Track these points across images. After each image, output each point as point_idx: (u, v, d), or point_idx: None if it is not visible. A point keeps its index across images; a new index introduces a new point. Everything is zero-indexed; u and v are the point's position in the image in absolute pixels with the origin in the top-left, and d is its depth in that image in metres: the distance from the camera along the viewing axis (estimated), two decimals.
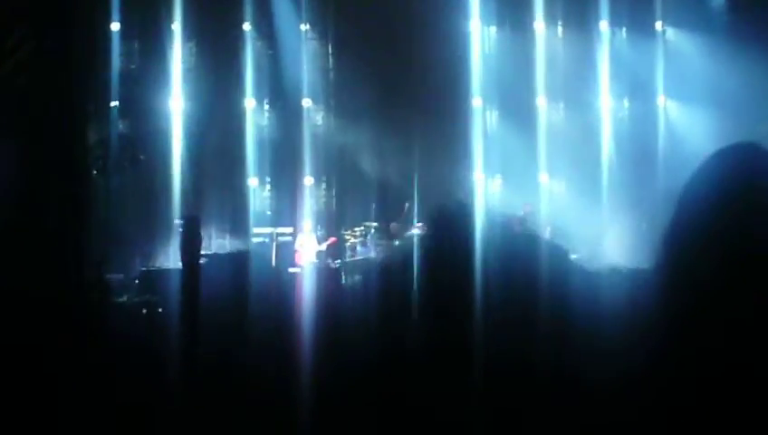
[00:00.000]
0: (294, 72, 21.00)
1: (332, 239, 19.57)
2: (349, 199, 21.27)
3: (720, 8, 19.00)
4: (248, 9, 20.65)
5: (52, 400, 4.27)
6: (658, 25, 20.36)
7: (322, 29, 21.27)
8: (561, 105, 20.76)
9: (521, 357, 2.99)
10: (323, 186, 21.41)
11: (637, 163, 19.39)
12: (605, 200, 19.21)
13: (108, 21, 19.23)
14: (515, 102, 20.54)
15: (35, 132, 14.62)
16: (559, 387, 2.97)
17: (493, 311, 3.06)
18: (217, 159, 20.62)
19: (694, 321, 2.44)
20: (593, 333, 3.07)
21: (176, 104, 20.03)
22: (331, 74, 21.31)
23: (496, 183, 20.90)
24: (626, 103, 20.82)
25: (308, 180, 20.86)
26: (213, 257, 15.75)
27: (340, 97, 21.16)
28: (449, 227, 3.11)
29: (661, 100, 20.30)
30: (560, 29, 21.04)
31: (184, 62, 20.26)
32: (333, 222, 20.62)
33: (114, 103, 19.03)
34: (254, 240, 19.58)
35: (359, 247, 19.73)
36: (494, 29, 21.16)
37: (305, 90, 21.07)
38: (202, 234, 5.07)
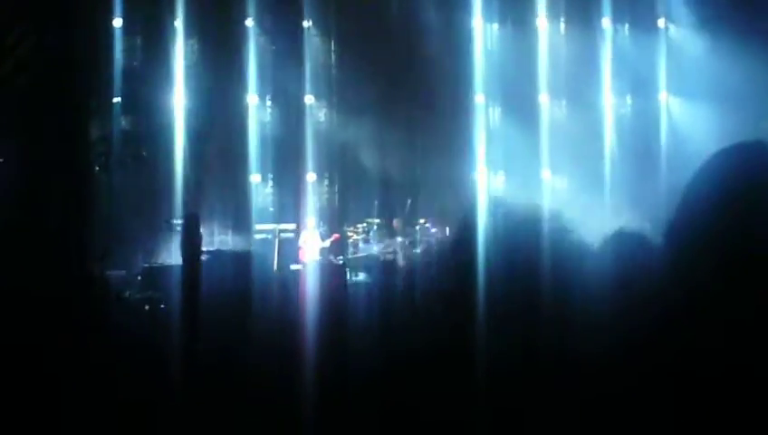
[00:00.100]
0: (297, 69, 20.99)
1: (336, 236, 19.56)
2: (351, 196, 21.27)
3: (722, 5, 18.96)
4: (251, 6, 20.63)
5: (55, 395, 4.27)
6: (661, 22, 20.32)
7: (325, 26, 21.25)
8: (564, 102, 20.74)
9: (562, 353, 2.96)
10: (326, 182, 21.40)
11: (639, 160, 19.36)
12: (608, 197, 19.19)
13: (110, 18, 19.22)
14: (518, 99, 20.52)
15: (38, 129, 14.63)
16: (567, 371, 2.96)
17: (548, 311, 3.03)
18: (220, 155, 20.62)
19: (692, 319, 2.43)
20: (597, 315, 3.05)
21: (178, 101, 20.02)
22: (334, 71, 21.30)
23: (499, 179, 20.86)
24: (629, 100, 20.79)
25: (310, 177, 20.84)
26: (215, 254, 15.77)
27: (342, 94, 21.14)
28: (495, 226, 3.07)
29: (663, 96, 20.27)
30: (562, 26, 21.01)
31: (186, 59, 20.24)
32: (336, 219, 20.60)
33: (116, 100, 19.02)
34: (257, 237, 19.56)
35: (361, 244, 19.73)
36: (496, 26, 21.14)
37: (308, 86, 21.05)
38: (202, 231, 5.06)
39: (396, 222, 19.73)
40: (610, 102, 20.56)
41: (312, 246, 18.61)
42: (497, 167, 20.71)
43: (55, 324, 5.17)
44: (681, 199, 2.57)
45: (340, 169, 21.43)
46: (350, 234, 19.88)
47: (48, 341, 5.05)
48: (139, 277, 16.10)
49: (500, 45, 20.97)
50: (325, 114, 21.46)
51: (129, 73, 19.23)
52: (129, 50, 19.52)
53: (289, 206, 20.89)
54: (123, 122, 19.27)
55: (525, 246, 3.04)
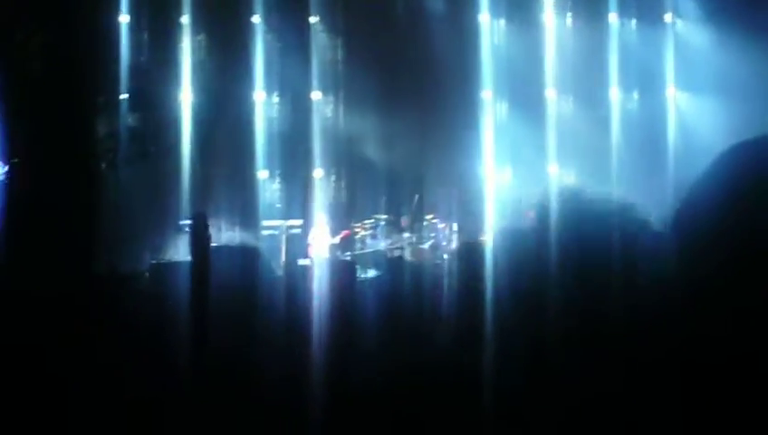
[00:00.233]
0: (304, 65, 20.98)
1: (346, 232, 19.57)
2: (358, 192, 21.26)
3: None
4: (257, 2, 20.64)
5: (65, 393, 4.27)
6: (668, 17, 20.29)
7: (332, 22, 21.24)
8: (571, 97, 20.72)
9: None
10: (333, 178, 21.39)
11: (646, 154, 19.34)
12: (615, 191, 19.14)
13: (117, 14, 19.25)
14: (525, 94, 20.49)
15: (45, 126, 14.65)
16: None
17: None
18: (227, 152, 20.62)
19: (699, 310, 2.44)
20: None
21: (185, 98, 20.03)
22: (341, 67, 21.28)
23: (506, 174, 20.84)
24: (635, 95, 20.76)
25: (318, 173, 20.84)
26: (221, 249, 15.76)
27: (349, 90, 21.13)
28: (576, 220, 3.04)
29: (671, 91, 20.24)
30: (569, 21, 21.00)
31: (193, 56, 20.25)
32: (343, 215, 20.60)
33: (123, 97, 19.04)
34: (264, 233, 19.57)
35: (369, 240, 19.74)
36: (503, 21, 21.11)
37: (315, 82, 21.05)
38: (210, 230, 5.05)
39: (403, 218, 19.74)
40: (617, 97, 20.54)
41: (321, 243, 18.62)
42: (505, 162, 20.68)
43: (64, 322, 5.18)
44: (689, 194, 2.57)
45: (348, 164, 21.42)
46: (357, 230, 19.89)
47: (56, 339, 5.05)
48: (147, 274, 16.11)
49: (507, 41, 20.95)
50: (332, 110, 21.45)
51: (136, 70, 19.24)
52: (135, 47, 19.54)
53: (296, 202, 20.90)
54: (130, 119, 19.29)
55: (602, 240, 3.01)
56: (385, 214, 20.02)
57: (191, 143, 19.64)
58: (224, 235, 18.79)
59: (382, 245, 19.41)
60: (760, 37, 17.29)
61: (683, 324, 2.45)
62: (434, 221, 19.74)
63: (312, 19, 21.21)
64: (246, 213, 19.92)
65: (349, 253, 19.23)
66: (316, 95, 21.15)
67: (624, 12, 20.60)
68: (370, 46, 20.68)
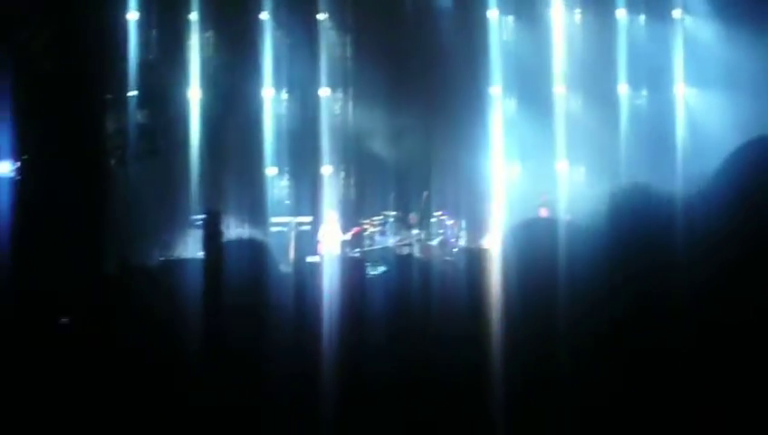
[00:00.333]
0: (312, 62, 20.99)
1: (356, 229, 19.58)
2: (367, 188, 21.25)
3: None
4: None
5: (76, 390, 4.29)
6: (677, 13, 20.25)
7: (341, 18, 21.23)
8: (580, 92, 20.68)
9: None
10: (342, 175, 21.38)
11: (656, 150, 19.30)
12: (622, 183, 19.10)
13: (126, 11, 19.27)
14: (534, 90, 20.48)
15: (55, 123, 14.67)
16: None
17: None
18: (236, 148, 20.64)
19: (712, 301, 2.45)
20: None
21: (194, 94, 20.05)
22: (349, 63, 21.28)
23: (515, 170, 20.83)
24: (644, 91, 20.73)
25: (326, 170, 20.84)
26: (229, 245, 15.77)
27: (358, 86, 21.13)
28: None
29: (680, 87, 20.19)
30: (577, 16, 20.98)
31: (202, 52, 20.27)
32: (352, 211, 20.60)
33: (133, 93, 19.06)
34: (273, 229, 19.58)
35: (377, 236, 19.74)
36: (512, 17, 21.10)
37: (323, 79, 21.05)
38: (223, 228, 5.04)
39: (411, 215, 19.74)
40: (626, 93, 20.51)
41: (331, 239, 18.63)
42: (513, 158, 20.67)
43: (75, 319, 5.20)
44: (700, 191, 2.59)
45: (357, 161, 21.41)
46: (366, 226, 19.89)
47: (68, 335, 5.07)
48: (157, 271, 16.09)
49: (516, 37, 20.95)
50: (341, 107, 21.45)
51: (145, 67, 19.27)
52: (144, 44, 19.56)
53: (305, 198, 20.91)
54: (139, 116, 19.31)
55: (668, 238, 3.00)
56: (394, 211, 20.01)
57: (200, 140, 19.67)
58: (233, 231, 18.81)
59: (391, 241, 19.42)
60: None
61: (693, 317, 2.47)
62: (442, 218, 19.75)
63: (321, 16, 21.20)
64: (255, 210, 19.92)
65: (357, 250, 19.25)
66: (325, 92, 21.15)
67: (633, 8, 20.58)
68: (379, 43, 20.68)
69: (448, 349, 3.74)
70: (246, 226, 18.95)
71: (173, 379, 4.23)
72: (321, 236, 18.87)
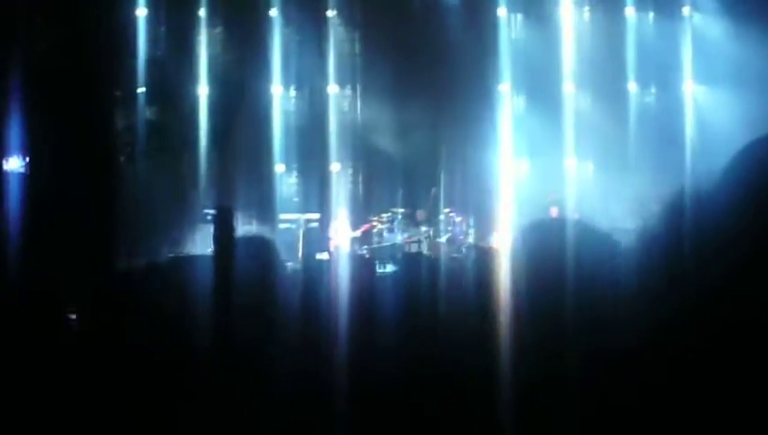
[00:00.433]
0: (321, 59, 21.01)
1: (367, 225, 19.60)
2: (375, 185, 21.26)
3: None
4: None
5: (85, 387, 4.29)
6: (686, 10, 20.23)
7: (350, 15, 21.24)
8: (588, 90, 20.66)
9: None
10: (350, 172, 21.40)
11: (664, 148, 19.27)
12: (634, 183, 19.10)
13: (134, 7, 19.30)
14: (542, 87, 20.47)
15: (64, 120, 14.70)
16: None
17: None
18: (244, 145, 20.66)
19: (713, 316, 2.45)
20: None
21: (202, 91, 20.08)
22: (358, 61, 21.28)
23: (523, 168, 20.82)
24: (653, 88, 20.71)
25: (335, 167, 20.86)
26: (238, 241, 15.78)
27: (366, 83, 21.14)
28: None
29: (689, 84, 20.17)
30: (586, 13, 20.96)
31: (210, 49, 20.29)
32: (360, 208, 20.61)
33: (141, 90, 19.10)
34: (282, 226, 19.61)
35: (386, 233, 19.76)
36: (520, 14, 21.08)
37: (332, 76, 21.07)
38: (235, 225, 5.04)
39: (419, 212, 19.76)
40: (635, 91, 20.50)
41: (342, 236, 18.65)
42: (523, 155, 20.66)
43: (85, 315, 5.20)
44: (708, 191, 2.59)
45: (365, 158, 21.42)
46: (374, 223, 19.91)
47: (78, 332, 5.08)
48: (166, 267, 16.10)
49: (524, 34, 20.94)
50: (349, 104, 21.46)
51: (153, 64, 19.30)
52: (153, 40, 19.59)
53: (313, 195, 20.93)
54: (148, 113, 19.35)
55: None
56: (402, 208, 20.03)
57: (209, 137, 19.70)
58: (242, 228, 18.80)
59: (399, 238, 19.44)
60: None
61: (703, 321, 2.47)
62: (451, 215, 19.76)
63: (330, 13, 21.21)
64: (264, 206, 19.95)
65: (366, 247, 19.27)
66: (333, 89, 21.17)
67: (641, 5, 20.56)
68: (388, 40, 20.69)
69: (458, 347, 3.73)
70: (255, 222, 18.97)
71: (181, 376, 4.24)
72: (333, 233, 18.89)
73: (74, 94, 14.90)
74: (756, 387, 2.36)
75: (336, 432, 3.75)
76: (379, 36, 20.94)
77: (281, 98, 20.98)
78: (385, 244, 19.41)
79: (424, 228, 19.50)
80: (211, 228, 4.98)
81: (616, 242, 3.27)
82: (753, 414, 2.38)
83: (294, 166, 21.28)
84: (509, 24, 20.83)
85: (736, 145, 2.62)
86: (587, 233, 3.35)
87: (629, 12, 20.55)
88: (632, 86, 20.48)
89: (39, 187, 14.29)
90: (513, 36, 20.79)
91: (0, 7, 14.19)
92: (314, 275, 5.54)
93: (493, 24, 20.55)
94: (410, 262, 7.38)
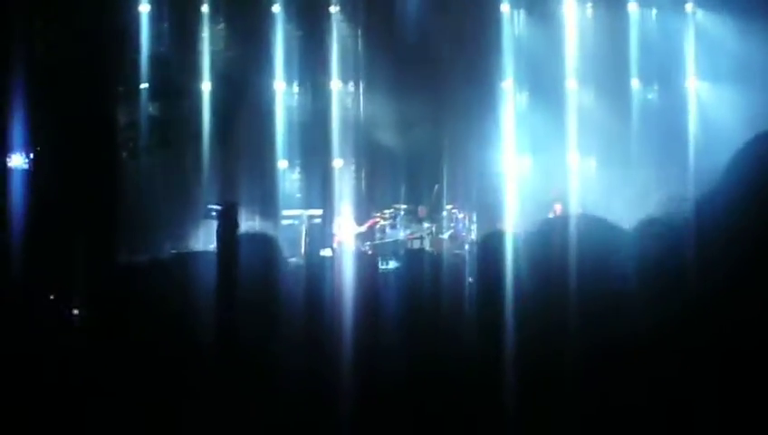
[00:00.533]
0: (323, 55, 21.00)
1: (372, 221, 19.60)
2: (378, 181, 21.25)
3: None
4: None
5: (88, 384, 4.31)
6: (689, 6, 20.20)
7: (352, 11, 21.22)
8: (591, 86, 20.63)
9: None
10: (353, 168, 21.38)
11: (667, 145, 19.26)
12: (637, 179, 19.10)
13: (138, 3, 19.30)
14: (545, 84, 20.45)
15: (67, 115, 14.72)
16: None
17: None
18: (247, 141, 20.66)
19: (726, 302, 2.46)
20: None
21: (205, 87, 20.08)
22: (361, 56, 21.26)
23: (526, 163, 20.82)
24: (656, 85, 20.68)
25: (337, 163, 20.85)
26: (241, 237, 15.78)
27: (369, 79, 21.12)
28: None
29: (692, 81, 20.15)
30: (589, 9, 20.94)
31: (213, 45, 20.29)
32: (363, 204, 20.60)
33: (144, 86, 19.10)
34: (284, 222, 19.61)
35: (388, 229, 19.76)
36: (523, 10, 21.06)
37: (334, 72, 21.06)
38: (239, 220, 5.05)
39: (421, 208, 19.75)
40: (638, 87, 20.49)
41: (347, 232, 18.65)
42: (526, 151, 20.65)
43: (88, 312, 5.22)
44: (712, 186, 2.59)
45: (368, 154, 21.41)
46: (377, 219, 19.90)
47: (80, 329, 5.10)
48: (169, 263, 16.09)
49: (527, 30, 20.92)
50: (352, 100, 21.45)
51: (156, 60, 19.30)
52: (156, 36, 19.59)
53: (316, 192, 20.93)
54: (151, 108, 19.35)
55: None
56: (405, 204, 20.02)
57: (211, 133, 19.69)
58: (244, 224, 18.79)
59: (401, 235, 19.43)
60: None
61: (705, 315, 2.47)
62: (453, 211, 19.75)
63: (333, 9, 21.20)
64: (267, 202, 19.95)
65: (368, 243, 19.26)
66: (336, 85, 21.16)
67: (644, 1, 20.54)
68: (391, 36, 20.67)
69: (460, 344, 3.74)
70: (258, 218, 18.99)
71: (184, 372, 4.25)
72: (337, 229, 18.88)
73: (78, 90, 14.91)
74: (758, 381, 2.37)
75: (339, 427, 3.76)
76: (382, 32, 20.92)
77: (283, 94, 20.98)
78: (387, 240, 19.40)
79: (426, 225, 19.49)
80: (215, 224, 4.98)
81: (624, 236, 3.28)
82: (754, 408, 2.39)
83: (297, 162, 21.28)
84: (512, 21, 20.82)
85: (739, 142, 2.63)
86: (600, 228, 3.36)
87: (632, 8, 20.53)
88: (635, 83, 20.46)
89: (42, 182, 14.31)
90: (517, 33, 20.78)
91: (3, 4, 14.20)
92: (317, 271, 5.54)
93: (496, 20, 20.54)
94: (412, 258, 7.38)
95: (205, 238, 16.97)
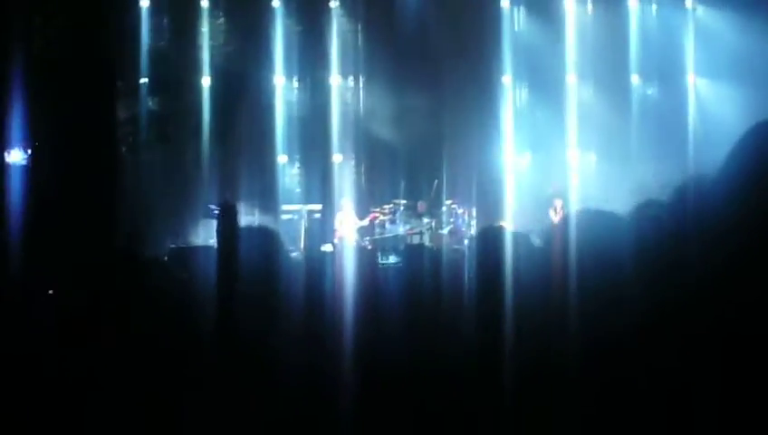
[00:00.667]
0: (323, 49, 20.99)
1: (373, 215, 19.59)
2: (378, 177, 21.24)
3: None
4: None
5: (87, 379, 4.31)
6: (688, 2, 20.20)
7: (352, 5, 21.20)
8: (591, 82, 20.62)
9: None
10: (352, 163, 21.37)
11: (666, 140, 19.26)
12: (636, 174, 19.08)
13: None
14: (544, 79, 20.44)
15: (66, 110, 14.71)
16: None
17: None
18: (246, 135, 20.64)
19: (727, 289, 2.46)
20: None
21: (205, 81, 20.07)
22: (361, 51, 21.24)
23: (525, 159, 20.82)
24: (655, 81, 20.67)
25: (337, 158, 20.85)
26: (241, 231, 15.76)
27: (369, 74, 21.11)
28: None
29: (691, 77, 20.14)
30: (589, 5, 20.93)
31: (213, 40, 20.28)
32: (363, 199, 20.58)
33: (144, 81, 19.10)
34: (284, 217, 19.61)
35: (388, 224, 19.75)
36: (523, 5, 21.05)
37: (334, 67, 21.04)
38: (238, 222, 5.05)
39: (420, 203, 19.75)
40: (638, 83, 20.48)
41: (347, 227, 18.63)
42: (525, 147, 20.65)
43: (87, 307, 5.22)
44: (717, 173, 2.60)
45: (367, 149, 21.39)
46: (377, 214, 19.89)
47: (80, 324, 5.09)
48: (166, 258, 16.13)
49: (527, 25, 20.91)
50: (352, 95, 21.44)
51: (156, 54, 19.30)
52: (156, 31, 19.58)
53: (315, 186, 20.92)
54: (150, 103, 19.35)
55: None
56: (404, 199, 20.02)
57: (211, 127, 19.69)
58: (244, 218, 18.77)
59: (401, 230, 19.43)
60: None
61: (704, 304, 2.48)
62: (453, 206, 19.75)
63: (332, 3, 21.19)
64: (266, 197, 19.94)
65: (368, 238, 19.25)
66: (336, 79, 21.15)
67: None
68: (391, 31, 20.65)
69: (460, 339, 3.74)
70: (257, 213, 18.98)
71: (184, 367, 4.25)
72: (338, 224, 18.86)
73: (77, 85, 14.91)
74: (755, 368, 2.38)
75: (338, 420, 3.76)
76: (382, 27, 20.90)
77: (283, 88, 20.97)
78: (387, 235, 19.40)
79: (426, 220, 19.49)
80: (214, 223, 4.99)
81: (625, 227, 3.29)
82: (751, 396, 2.39)
83: (296, 157, 21.28)
84: (512, 16, 20.81)
85: (738, 137, 2.63)
86: (606, 222, 3.37)
87: (632, 3, 20.52)
88: (635, 78, 20.44)
89: (40, 177, 14.30)
90: (516, 28, 20.77)
91: None
92: (317, 266, 5.54)
93: (496, 15, 20.53)
94: (412, 253, 7.39)
95: (204, 233, 16.99)
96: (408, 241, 18.80)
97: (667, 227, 2.97)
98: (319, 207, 20.19)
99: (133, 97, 18.82)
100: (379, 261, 16.73)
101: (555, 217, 17.75)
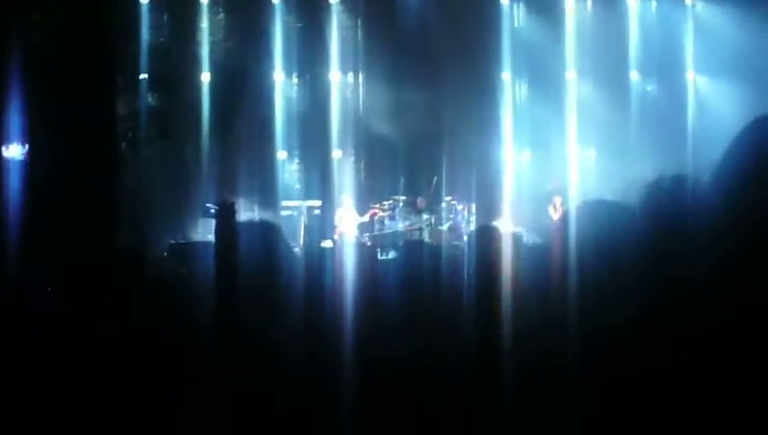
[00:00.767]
0: (323, 46, 20.98)
1: (373, 211, 19.58)
2: (377, 173, 21.24)
3: None
4: None
5: (87, 376, 4.31)
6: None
7: (352, 2, 21.18)
8: (590, 79, 20.61)
9: None
10: (352, 159, 21.36)
11: (666, 137, 19.25)
12: (634, 170, 19.05)
13: None
14: (544, 75, 20.43)
15: (65, 106, 14.69)
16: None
17: None
18: (246, 132, 20.64)
19: (727, 288, 2.47)
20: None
21: (204, 78, 20.06)
22: (360, 48, 21.22)
23: (525, 155, 20.81)
24: (655, 78, 20.66)
25: (337, 154, 20.84)
26: (240, 226, 15.75)
27: (369, 70, 21.09)
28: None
29: (691, 74, 20.14)
30: (589, 1, 20.92)
31: (213, 36, 20.27)
32: (362, 195, 20.57)
33: (143, 76, 19.09)
34: (283, 213, 19.60)
35: (387, 221, 19.75)
36: (522, 2, 21.04)
37: (334, 63, 21.03)
38: (237, 221, 5.04)
39: (420, 199, 19.75)
40: (637, 79, 20.47)
41: (347, 224, 18.63)
42: (523, 143, 20.64)
43: (88, 303, 5.22)
44: (716, 167, 2.60)
45: (367, 145, 21.38)
46: (377, 210, 19.89)
47: (80, 321, 5.10)
48: (166, 254, 16.14)
49: (527, 22, 20.90)
50: (352, 91, 21.42)
51: (155, 50, 19.29)
52: (155, 27, 19.57)
53: (315, 183, 20.92)
54: (150, 99, 19.34)
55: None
56: (404, 195, 20.02)
57: (210, 124, 19.68)
58: (244, 214, 18.75)
59: (401, 226, 19.43)
60: None
61: (716, 296, 2.48)
62: (453, 202, 19.75)
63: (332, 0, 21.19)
64: (265, 193, 19.93)
65: (367, 234, 19.25)
66: (335, 76, 21.14)
67: None
68: (391, 28, 20.64)
69: (459, 335, 3.75)
70: (257, 209, 18.98)
71: (185, 362, 4.25)
72: (338, 220, 18.85)
73: (76, 80, 14.89)
74: (751, 366, 2.38)
75: (338, 414, 3.77)
76: (382, 23, 20.89)
77: (283, 85, 20.96)
78: (386, 231, 19.40)
79: (425, 216, 19.49)
80: (213, 223, 4.99)
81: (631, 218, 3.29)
82: (748, 392, 2.40)
83: (296, 153, 21.27)
84: (511, 12, 20.80)
85: (737, 132, 2.64)
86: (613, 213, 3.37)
87: (633, 1, 20.51)
88: (634, 75, 20.44)
89: (39, 173, 14.29)
90: (516, 24, 20.77)
91: None
92: (317, 262, 5.54)
93: (496, 12, 20.53)
94: (411, 249, 7.38)
95: (204, 229, 16.98)
96: (408, 237, 18.80)
97: (669, 211, 2.98)
98: (318, 203, 20.18)
99: (133, 93, 18.81)
100: (379, 257, 16.74)
101: (555, 215, 17.77)
